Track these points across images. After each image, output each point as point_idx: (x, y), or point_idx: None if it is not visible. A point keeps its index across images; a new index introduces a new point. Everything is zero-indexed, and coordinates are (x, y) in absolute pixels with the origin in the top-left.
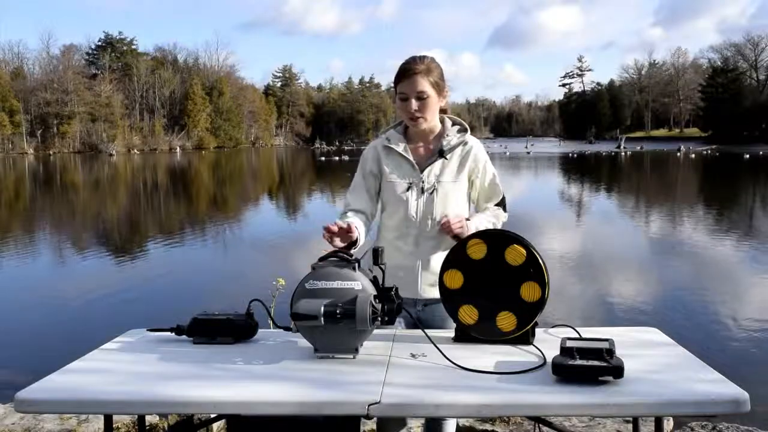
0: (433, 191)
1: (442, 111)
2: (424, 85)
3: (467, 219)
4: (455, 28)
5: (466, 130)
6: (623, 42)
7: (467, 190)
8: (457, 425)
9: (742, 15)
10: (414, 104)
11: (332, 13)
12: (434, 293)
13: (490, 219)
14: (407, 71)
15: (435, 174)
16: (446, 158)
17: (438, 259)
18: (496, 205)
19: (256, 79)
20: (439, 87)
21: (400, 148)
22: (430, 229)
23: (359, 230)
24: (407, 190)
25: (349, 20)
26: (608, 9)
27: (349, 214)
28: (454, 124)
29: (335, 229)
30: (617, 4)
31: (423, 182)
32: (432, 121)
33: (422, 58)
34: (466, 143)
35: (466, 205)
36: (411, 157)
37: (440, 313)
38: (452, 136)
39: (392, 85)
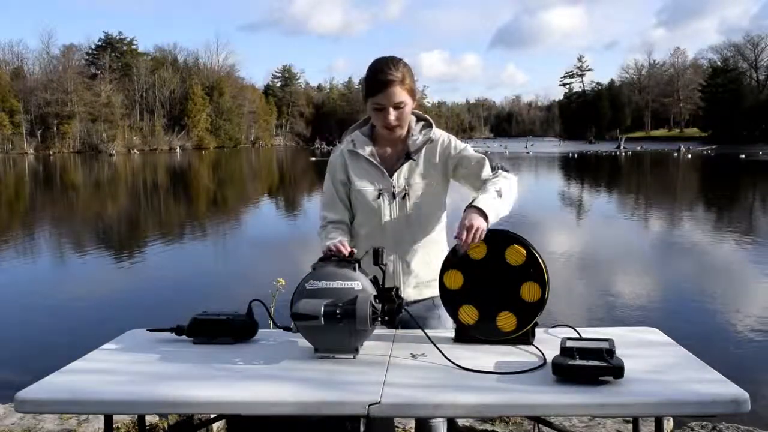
0: (405, 195)
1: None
2: (402, 95)
3: (472, 205)
4: (459, 29)
5: (430, 126)
6: (626, 42)
7: (444, 187)
8: (458, 425)
9: (744, 15)
10: (392, 114)
11: (337, 14)
12: (415, 295)
13: (492, 192)
14: (383, 83)
15: (404, 177)
16: (414, 159)
17: (417, 262)
18: (491, 171)
19: (260, 80)
20: (413, 92)
21: (367, 152)
22: (406, 234)
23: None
24: (378, 197)
25: (354, 21)
26: (611, 10)
27: (330, 227)
28: (419, 120)
29: (340, 250)
30: (620, 4)
31: (393, 187)
32: (406, 126)
33: (395, 64)
34: (431, 140)
35: (440, 204)
36: (378, 162)
37: (420, 314)
38: (417, 135)
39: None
